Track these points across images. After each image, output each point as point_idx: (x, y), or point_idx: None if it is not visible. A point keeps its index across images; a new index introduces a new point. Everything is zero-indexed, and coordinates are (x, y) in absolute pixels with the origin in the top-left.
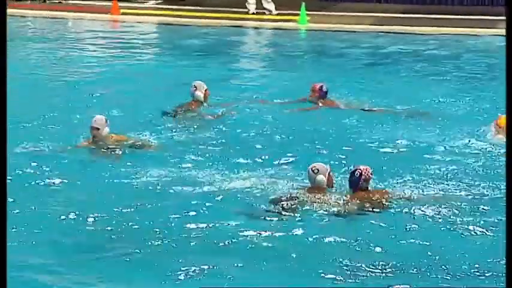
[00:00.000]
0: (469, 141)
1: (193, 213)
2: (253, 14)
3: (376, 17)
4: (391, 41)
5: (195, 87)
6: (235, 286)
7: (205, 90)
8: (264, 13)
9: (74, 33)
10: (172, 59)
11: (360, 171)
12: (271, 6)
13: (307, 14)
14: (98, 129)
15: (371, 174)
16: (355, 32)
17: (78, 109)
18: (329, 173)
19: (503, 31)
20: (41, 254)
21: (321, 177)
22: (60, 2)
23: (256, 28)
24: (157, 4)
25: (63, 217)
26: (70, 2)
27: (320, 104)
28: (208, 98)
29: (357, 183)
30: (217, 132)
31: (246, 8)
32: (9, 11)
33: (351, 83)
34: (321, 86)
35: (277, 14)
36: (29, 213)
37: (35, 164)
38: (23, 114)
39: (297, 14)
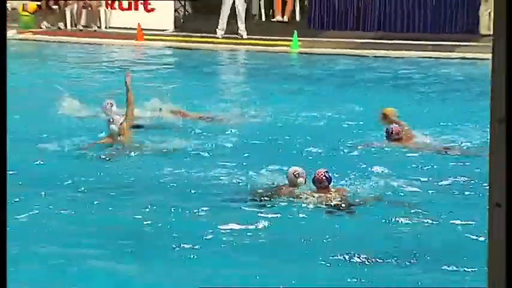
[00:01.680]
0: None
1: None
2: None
3: (357, 42)
4: (371, 63)
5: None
6: (234, 286)
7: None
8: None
9: (103, 57)
10: (174, 79)
11: (316, 173)
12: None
13: (299, 40)
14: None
15: (323, 176)
16: (339, 54)
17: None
18: (305, 176)
19: (461, 54)
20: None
21: (301, 180)
22: (95, 31)
23: (253, 52)
24: (174, 31)
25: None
26: (103, 30)
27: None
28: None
29: (314, 183)
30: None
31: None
32: (47, 37)
33: (332, 97)
34: None
35: (271, 40)
36: (39, 211)
37: (43, 163)
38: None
39: (290, 40)
